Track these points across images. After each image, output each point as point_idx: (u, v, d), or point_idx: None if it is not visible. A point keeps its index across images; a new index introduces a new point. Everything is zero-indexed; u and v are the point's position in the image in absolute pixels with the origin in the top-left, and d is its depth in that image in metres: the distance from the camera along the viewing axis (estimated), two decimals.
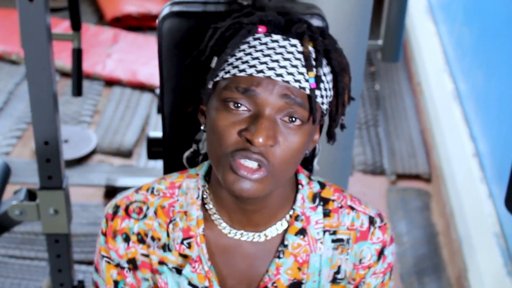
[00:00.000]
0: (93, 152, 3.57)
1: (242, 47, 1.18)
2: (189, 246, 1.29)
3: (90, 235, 3.05)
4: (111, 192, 3.27)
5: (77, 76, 2.38)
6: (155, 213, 1.32)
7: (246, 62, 1.16)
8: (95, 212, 3.19)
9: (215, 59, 1.21)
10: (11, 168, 2.14)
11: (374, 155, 3.60)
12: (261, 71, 1.15)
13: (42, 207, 1.97)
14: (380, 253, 1.32)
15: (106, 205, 1.36)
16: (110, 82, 4.08)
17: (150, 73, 4.07)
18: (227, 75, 1.18)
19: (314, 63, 1.17)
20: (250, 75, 1.15)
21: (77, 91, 2.38)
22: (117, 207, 1.34)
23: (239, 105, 1.16)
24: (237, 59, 1.17)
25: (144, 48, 4.32)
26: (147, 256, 1.32)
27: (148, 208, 1.32)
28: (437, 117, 3.57)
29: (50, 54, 1.79)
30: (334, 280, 1.32)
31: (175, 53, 1.46)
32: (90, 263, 2.93)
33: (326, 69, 1.19)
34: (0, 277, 2.87)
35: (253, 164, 1.15)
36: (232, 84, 1.16)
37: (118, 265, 1.33)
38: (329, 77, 1.21)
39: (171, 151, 1.53)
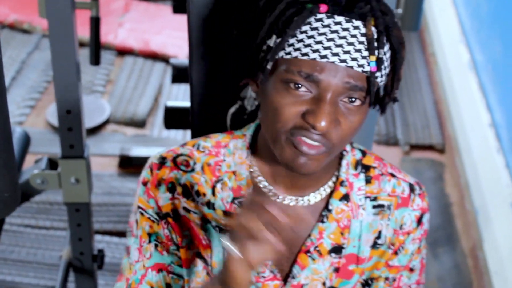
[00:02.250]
0: (106, 122, 3.57)
1: (304, 28, 1.15)
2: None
3: (104, 205, 3.06)
4: (125, 161, 3.27)
5: (95, 45, 2.36)
6: (202, 169, 1.31)
7: (309, 45, 1.14)
8: (110, 182, 3.19)
9: (273, 38, 1.19)
10: (30, 138, 2.13)
11: (387, 126, 3.60)
12: (325, 57, 1.13)
13: (63, 176, 1.97)
14: (419, 220, 1.35)
15: (148, 160, 1.35)
16: (122, 52, 4.05)
17: (163, 43, 4.05)
18: (288, 57, 1.16)
19: (376, 44, 1.15)
20: (314, 59, 1.14)
21: (95, 59, 2.35)
22: (163, 158, 1.32)
23: (300, 85, 1.15)
24: (298, 41, 1.15)
25: (156, 17, 4.30)
26: (188, 211, 1.31)
27: (195, 163, 1.32)
28: (452, 88, 3.55)
29: (74, 23, 1.77)
30: (374, 245, 1.34)
31: (205, 19, 1.44)
32: (105, 233, 2.94)
33: (386, 47, 1.18)
34: (16, 246, 2.88)
35: (314, 142, 1.16)
36: (293, 67, 1.15)
37: (156, 215, 1.32)
38: (388, 54, 1.19)
39: (200, 120, 1.52)
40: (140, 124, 3.57)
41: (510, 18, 3.06)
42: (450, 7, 3.96)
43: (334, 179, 1.32)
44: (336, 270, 1.33)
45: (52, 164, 2.01)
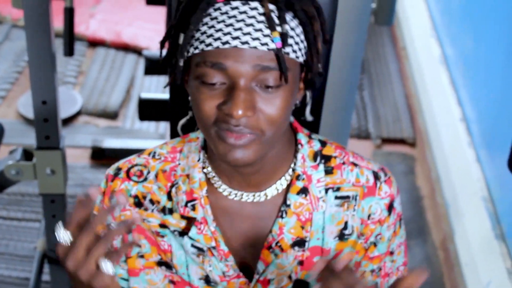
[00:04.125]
0: (78, 113, 3.55)
1: (205, 20, 1.16)
2: (194, 208, 1.29)
3: (77, 197, 3.04)
4: (97, 153, 3.26)
5: (69, 35, 2.34)
6: (156, 176, 1.32)
7: (211, 35, 1.14)
8: (82, 174, 3.18)
9: (181, 36, 1.20)
10: (4, 128, 2.12)
11: (359, 119, 3.62)
12: (227, 42, 1.13)
13: (38, 167, 1.96)
14: (390, 207, 1.33)
15: (108, 168, 1.36)
16: (94, 43, 4.03)
17: (135, 34, 4.03)
18: (197, 51, 1.16)
19: (277, 21, 1.15)
20: (217, 48, 1.14)
21: (69, 50, 2.34)
22: (118, 169, 1.34)
23: (213, 79, 1.15)
24: (202, 34, 1.16)
25: (128, 8, 4.28)
26: (142, 220, 1.32)
27: (149, 172, 1.33)
28: (423, 82, 3.58)
29: (50, 13, 1.76)
30: (342, 237, 1.33)
31: None
32: None
33: (293, 22, 1.18)
34: None
35: (239, 132, 1.16)
36: (201, 60, 1.15)
37: (107, 226, 1.33)
38: (299, 29, 1.19)
39: (179, 112, 1.52)
40: (112, 115, 3.56)
41: (481, 13, 3.10)
42: (421, 2, 4.00)
43: (290, 172, 1.31)
44: (301, 263, 1.33)
45: (27, 155, 2.00)
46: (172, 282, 1.35)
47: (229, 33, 1.13)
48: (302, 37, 1.19)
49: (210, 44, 1.14)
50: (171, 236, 1.32)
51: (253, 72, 1.14)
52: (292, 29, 1.17)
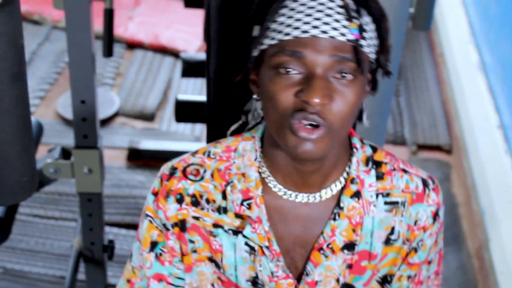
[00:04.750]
0: (115, 115, 3.58)
1: (282, 11, 1.18)
2: (249, 207, 1.30)
3: (113, 197, 3.08)
4: (134, 154, 3.29)
5: (108, 37, 2.37)
6: (212, 175, 1.33)
7: (289, 25, 1.16)
8: (118, 174, 3.21)
9: (256, 28, 1.22)
10: (43, 127, 2.15)
11: (395, 125, 3.61)
12: (306, 31, 1.15)
13: (76, 166, 1.98)
14: (435, 215, 1.34)
15: (162, 167, 1.37)
16: (132, 45, 4.07)
17: (172, 37, 4.06)
18: (273, 41, 1.18)
19: (355, 14, 1.17)
20: (296, 37, 1.15)
21: (108, 51, 2.37)
22: (174, 169, 1.34)
23: (290, 69, 1.16)
24: (280, 24, 1.17)
25: (166, 11, 4.31)
26: (198, 219, 1.33)
27: (205, 171, 1.33)
28: (460, 88, 3.56)
29: (91, 14, 1.79)
30: (388, 242, 1.34)
31: (224, 12, 1.45)
32: (113, 224, 2.96)
33: (367, 18, 1.19)
34: (25, 235, 2.90)
35: (312, 123, 1.17)
36: (279, 49, 1.17)
37: (163, 226, 1.34)
38: (372, 26, 1.20)
39: (216, 114, 1.53)
40: (149, 117, 3.59)
41: None
42: (459, 8, 3.97)
43: (345, 175, 1.32)
44: (349, 266, 1.34)
45: (65, 154, 2.03)
46: (219, 279, 1.36)
47: (308, 23, 1.15)
48: (375, 34, 1.21)
49: (288, 34, 1.16)
50: (224, 235, 1.33)
51: (330, 62, 1.15)
52: (367, 24, 1.19)
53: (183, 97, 2.46)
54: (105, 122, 3.51)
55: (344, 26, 1.15)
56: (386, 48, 1.24)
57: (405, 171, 1.34)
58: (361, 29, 1.16)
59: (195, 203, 1.33)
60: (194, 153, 1.36)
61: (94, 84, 1.89)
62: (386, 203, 1.33)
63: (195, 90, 3.79)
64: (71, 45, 1.81)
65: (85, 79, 1.86)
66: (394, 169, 1.34)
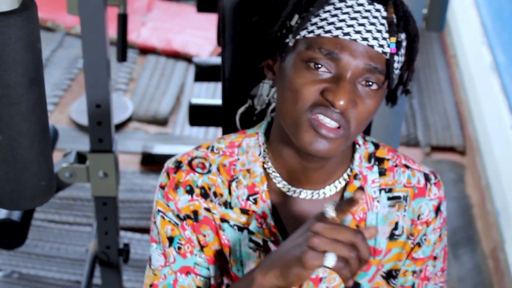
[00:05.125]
0: (129, 120, 3.59)
1: (328, 8, 1.18)
2: (255, 202, 1.31)
3: (127, 202, 3.08)
4: (147, 159, 3.30)
5: (122, 42, 2.38)
6: (218, 170, 1.33)
7: (332, 23, 1.16)
8: (132, 179, 3.22)
9: (296, 17, 1.21)
10: (58, 132, 2.16)
11: (408, 127, 3.60)
12: (348, 34, 1.15)
13: (92, 170, 1.99)
14: (437, 209, 1.35)
15: (165, 164, 1.36)
16: (145, 50, 4.09)
17: (185, 42, 4.07)
18: (310, 35, 1.18)
19: (396, 28, 1.18)
20: (336, 37, 1.16)
21: (122, 56, 2.38)
22: (179, 162, 1.34)
23: (320, 65, 1.17)
24: (322, 20, 1.18)
25: (179, 16, 4.33)
26: (209, 211, 1.33)
27: (210, 165, 1.33)
28: (473, 90, 3.55)
29: (105, 19, 1.80)
30: (392, 237, 1.35)
31: (238, 15, 1.46)
32: (127, 229, 2.97)
33: (403, 35, 1.20)
34: (39, 241, 2.91)
35: (332, 123, 1.17)
36: (315, 45, 1.17)
37: (177, 216, 1.33)
38: (405, 43, 1.22)
39: (231, 117, 1.53)
40: (162, 122, 3.60)
41: None
42: (472, 8, 3.96)
43: (348, 171, 1.33)
44: None
45: (81, 158, 2.04)
46: (228, 272, 1.36)
47: (352, 26, 1.16)
48: (405, 51, 1.22)
49: (329, 31, 1.16)
50: (229, 230, 1.33)
51: (362, 69, 1.16)
52: (402, 40, 1.20)
53: (196, 101, 2.47)
54: (119, 127, 3.53)
55: (384, 38, 1.16)
56: (412, 68, 1.25)
57: (407, 166, 1.36)
58: (398, 45, 1.18)
59: (205, 195, 1.32)
60: (197, 148, 1.36)
61: (109, 88, 1.90)
62: (389, 198, 1.34)
63: (207, 95, 3.80)
64: (86, 50, 1.82)
65: (100, 83, 1.87)
66: (396, 165, 1.35)
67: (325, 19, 1.17)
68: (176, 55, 4.04)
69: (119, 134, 3.49)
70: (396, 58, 1.18)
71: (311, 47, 1.17)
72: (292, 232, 1.32)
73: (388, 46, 1.17)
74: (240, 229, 1.33)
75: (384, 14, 1.17)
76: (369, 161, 1.34)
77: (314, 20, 1.18)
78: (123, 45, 2.38)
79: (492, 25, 3.64)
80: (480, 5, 3.91)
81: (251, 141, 1.34)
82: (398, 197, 1.34)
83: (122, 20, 2.36)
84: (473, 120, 3.45)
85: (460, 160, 3.46)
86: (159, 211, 1.35)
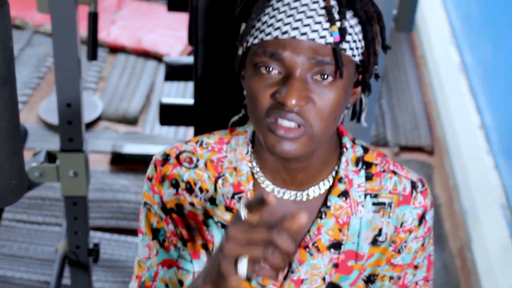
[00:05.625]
0: (98, 119, 3.58)
1: (267, 10, 1.18)
2: (240, 200, 1.31)
3: (96, 201, 3.07)
4: (117, 158, 3.28)
5: (93, 40, 2.37)
6: (205, 165, 1.33)
7: (271, 25, 1.17)
8: (102, 178, 3.21)
9: (243, 25, 1.23)
10: (28, 132, 2.15)
11: (377, 127, 3.63)
12: (286, 32, 1.15)
13: (62, 169, 1.98)
14: (421, 218, 1.34)
15: (154, 155, 1.36)
16: (115, 49, 4.07)
17: (155, 41, 4.06)
18: (256, 40, 1.19)
19: (337, 16, 1.16)
20: (276, 37, 1.16)
21: (93, 55, 2.37)
22: (167, 155, 1.34)
23: (270, 68, 1.17)
24: (263, 23, 1.18)
25: (149, 15, 4.31)
26: (194, 206, 1.33)
27: (198, 159, 1.33)
28: (442, 90, 3.59)
29: (77, 17, 1.79)
30: (375, 242, 1.35)
31: (211, 14, 1.46)
32: (97, 228, 2.95)
33: (353, 20, 1.19)
34: (8, 241, 2.88)
35: (290, 124, 1.17)
36: (260, 49, 1.17)
37: (162, 210, 1.33)
38: (358, 28, 1.20)
39: (203, 116, 1.54)
40: (132, 121, 3.58)
41: (500, 21, 3.10)
42: (440, 9, 4.00)
43: (333, 174, 1.32)
44: (335, 265, 1.34)
45: (50, 157, 2.02)
46: None
47: (289, 24, 1.15)
48: (360, 36, 1.21)
49: (269, 34, 1.16)
50: (214, 227, 1.33)
51: (308, 64, 1.15)
52: (351, 26, 1.18)
53: (167, 100, 2.47)
54: (88, 126, 3.51)
55: (325, 29, 1.15)
56: (372, 52, 1.23)
57: (394, 172, 1.35)
58: (342, 32, 1.16)
59: (190, 190, 1.33)
60: (187, 142, 1.36)
61: (80, 87, 1.89)
62: (374, 204, 1.33)
63: (178, 94, 3.79)
64: (57, 48, 1.82)
65: (71, 82, 1.87)
66: (384, 171, 1.34)
67: (265, 22, 1.18)
68: (146, 54, 4.03)
69: (88, 133, 3.47)
70: (345, 45, 1.17)
71: (257, 52, 1.18)
72: None
73: (331, 35, 1.15)
74: (224, 226, 1.33)
75: (323, 4, 1.16)
76: (357, 165, 1.33)
77: (257, 25, 1.19)
78: (93, 44, 2.37)
79: (461, 26, 3.68)
80: (448, 7, 3.95)
81: (240, 139, 1.34)
82: (383, 203, 1.33)
83: (93, 19, 2.35)
84: (441, 121, 3.48)
85: (428, 160, 3.49)
86: (145, 203, 1.35)
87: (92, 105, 3.61)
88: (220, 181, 1.32)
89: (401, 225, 1.34)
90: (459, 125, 3.27)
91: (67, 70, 1.84)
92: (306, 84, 1.16)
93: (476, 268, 2.68)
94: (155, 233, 1.35)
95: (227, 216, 1.32)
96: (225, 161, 1.33)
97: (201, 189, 1.33)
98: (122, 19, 4.25)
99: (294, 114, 1.16)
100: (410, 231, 1.34)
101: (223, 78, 1.49)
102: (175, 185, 1.33)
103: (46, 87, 3.76)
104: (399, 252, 1.36)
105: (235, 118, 1.44)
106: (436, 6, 4.07)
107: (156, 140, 3.46)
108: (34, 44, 4.08)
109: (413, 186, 1.34)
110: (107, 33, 4.09)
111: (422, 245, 1.37)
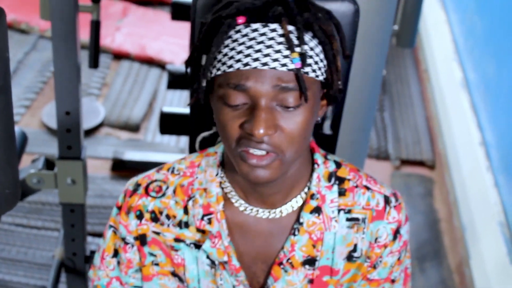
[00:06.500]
0: (100, 125, 3.58)
1: (226, 42, 1.18)
2: (209, 222, 1.32)
3: (96, 207, 3.08)
4: (118, 165, 3.29)
5: (94, 48, 2.39)
6: (174, 191, 1.35)
7: (232, 57, 1.17)
8: (102, 184, 3.21)
9: (203, 57, 1.23)
10: (27, 137, 2.15)
11: (379, 140, 3.63)
12: (247, 64, 1.15)
13: (60, 176, 1.99)
14: (396, 232, 1.35)
15: (128, 181, 1.41)
16: (119, 56, 4.08)
17: (159, 48, 4.07)
18: (219, 72, 1.19)
19: (296, 41, 1.17)
20: (238, 69, 1.16)
21: (94, 62, 2.39)
22: (138, 185, 1.38)
23: (236, 100, 1.17)
24: (224, 55, 1.18)
25: (154, 23, 4.32)
26: (158, 234, 1.36)
27: (167, 187, 1.36)
28: (444, 105, 3.59)
29: (77, 25, 1.80)
30: (350, 258, 1.36)
31: None
32: (96, 234, 2.96)
33: (312, 42, 1.19)
34: (6, 245, 2.89)
35: (261, 152, 1.18)
36: (223, 81, 1.18)
37: (122, 239, 1.39)
38: (318, 48, 1.20)
39: (199, 126, 1.54)
40: (134, 128, 3.59)
41: (504, 38, 3.11)
42: (444, 25, 4.01)
43: (306, 190, 1.33)
44: (311, 281, 1.35)
45: (49, 164, 2.03)
46: None
47: (249, 55, 1.15)
48: (322, 56, 1.21)
49: (231, 66, 1.16)
50: (186, 249, 1.35)
51: (273, 92, 1.15)
52: (312, 48, 1.19)
53: (168, 109, 2.48)
54: (90, 132, 3.52)
55: (285, 56, 1.15)
56: (334, 69, 1.23)
57: (367, 188, 1.35)
58: (303, 57, 1.16)
59: (155, 219, 1.36)
60: (159, 169, 1.39)
61: (79, 95, 1.90)
62: (347, 219, 1.34)
63: (180, 102, 3.80)
64: (56, 56, 1.82)
65: (70, 90, 1.87)
66: (356, 186, 1.35)
67: (226, 54, 1.18)
68: (150, 62, 4.04)
69: (90, 139, 3.48)
70: (308, 68, 1.18)
71: (221, 85, 1.18)
72: (248, 252, 1.34)
73: (292, 62, 1.16)
74: (197, 246, 1.35)
75: (281, 31, 1.16)
76: (329, 180, 1.34)
77: (219, 57, 1.19)
78: (95, 52, 2.39)
79: (464, 42, 3.68)
80: (452, 23, 3.95)
81: (210, 160, 1.36)
82: (357, 219, 1.34)
83: (95, 27, 2.37)
84: (442, 136, 3.48)
85: (429, 174, 3.49)
86: (111, 226, 1.40)
87: (95, 111, 3.62)
88: (190, 203, 1.34)
89: (375, 240, 1.35)
90: (460, 141, 3.27)
91: (67, 78, 1.84)
92: (273, 112, 1.17)
93: (474, 285, 2.68)
94: (116, 253, 1.41)
95: (198, 237, 1.34)
96: (195, 183, 1.35)
97: (168, 216, 1.35)
98: (127, 26, 4.27)
99: (264, 143, 1.17)
100: (385, 246, 1.35)
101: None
102: (139, 216, 1.36)
103: (49, 92, 3.77)
104: (374, 267, 1.37)
105: (205, 134, 1.45)
106: (440, 22, 4.07)
107: (157, 147, 3.47)
108: (39, 48, 4.10)
109: (386, 201, 1.35)
110: (112, 39, 4.10)
111: (398, 259, 1.38)
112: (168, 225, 1.35)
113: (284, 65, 1.15)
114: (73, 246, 2.17)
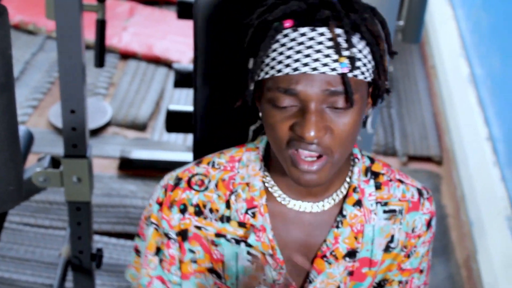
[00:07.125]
0: (108, 124, 3.59)
1: (274, 46, 1.19)
2: (253, 215, 1.33)
3: (103, 206, 3.09)
4: (125, 164, 3.30)
5: (100, 47, 2.39)
6: (216, 185, 1.36)
7: (281, 62, 1.18)
8: (109, 183, 3.22)
9: (251, 61, 1.24)
10: (34, 137, 2.16)
11: (386, 136, 3.63)
12: (296, 69, 1.16)
13: (65, 175, 2.00)
14: (429, 223, 1.39)
15: (165, 176, 1.40)
16: (126, 55, 4.09)
17: (166, 47, 4.08)
18: (267, 76, 1.20)
19: (345, 44, 1.17)
20: (287, 74, 1.17)
21: (100, 62, 2.39)
22: (179, 179, 1.37)
23: (285, 103, 1.18)
24: (272, 60, 1.19)
25: (160, 22, 4.33)
26: (200, 228, 1.36)
27: (209, 181, 1.36)
28: (451, 101, 3.58)
29: (81, 25, 1.81)
30: (387, 249, 1.38)
31: (210, 27, 1.47)
32: (103, 233, 2.97)
33: (360, 44, 1.20)
34: (14, 244, 2.90)
35: (311, 158, 1.19)
36: (273, 85, 1.19)
37: (165, 235, 1.38)
38: (366, 50, 1.21)
39: (203, 124, 1.55)
40: (141, 127, 3.60)
41: (510, 33, 3.10)
42: (451, 21, 4.00)
43: (346, 185, 1.35)
44: (350, 273, 1.37)
45: (55, 162, 2.04)
46: None
47: (298, 60, 1.16)
48: (370, 57, 1.22)
49: (280, 71, 1.17)
50: (226, 245, 1.36)
51: (322, 95, 1.17)
52: (360, 51, 1.19)
53: (174, 107, 2.48)
54: (97, 131, 3.53)
55: (335, 60, 1.16)
56: (381, 69, 1.25)
57: (401, 181, 1.39)
58: (352, 60, 1.17)
59: (198, 212, 1.36)
60: (198, 163, 1.39)
61: (84, 94, 1.90)
62: (384, 211, 1.37)
63: (187, 101, 3.81)
64: (61, 56, 1.83)
65: (75, 89, 1.88)
66: (390, 180, 1.38)
67: (274, 58, 1.19)
68: (157, 61, 4.05)
69: (97, 138, 3.49)
70: (357, 71, 1.19)
71: (270, 89, 1.20)
72: (290, 245, 1.35)
73: (341, 66, 1.16)
74: (238, 242, 1.35)
75: (329, 35, 1.17)
76: (366, 174, 1.37)
77: (267, 61, 1.20)
78: (101, 51, 2.40)
79: (471, 38, 3.67)
80: (459, 18, 3.95)
81: (252, 155, 1.37)
82: (394, 211, 1.37)
83: (101, 26, 2.37)
84: (450, 131, 3.48)
85: (437, 170, 3.48)
86: (153, 222, 1.39)
87: (102, 111, 3.63)
88: (233, 197, 1.35)
89: (412, 230, 1.38)
90: (467, 136, 3.26)
91: (72, 77, 1.85)
92: (323, 115, 1.18)
93: (482, 279, 2.68)
94: (158, 250, 1.40)
95: (240, 232, 1.35)
96: (237, 177, 1.36)
97: (211, 210, 1.36)
98: (134, 25, 4.28)
99: (314, 145, 1.18)
100: (419, 236, 1.39)
101: (222, 87, 1.50)
102: (183, 210, 1.36)
103: (56, 93, 3.78)
104: (408, 257, 1.40)
105: (254, 127, 1.45)
106: (447, 17, 4.06)
107: (164, 146, 3.47)
108: (46, 49, 4.11)
109: (420, 193, 1.39)
110: (119, 39, 4.11)
111: (427, 250, 1.42)
112: (211, 219, 1.35)
113: (333, 69, 1.16)
114: (80, 244, 2.18)
